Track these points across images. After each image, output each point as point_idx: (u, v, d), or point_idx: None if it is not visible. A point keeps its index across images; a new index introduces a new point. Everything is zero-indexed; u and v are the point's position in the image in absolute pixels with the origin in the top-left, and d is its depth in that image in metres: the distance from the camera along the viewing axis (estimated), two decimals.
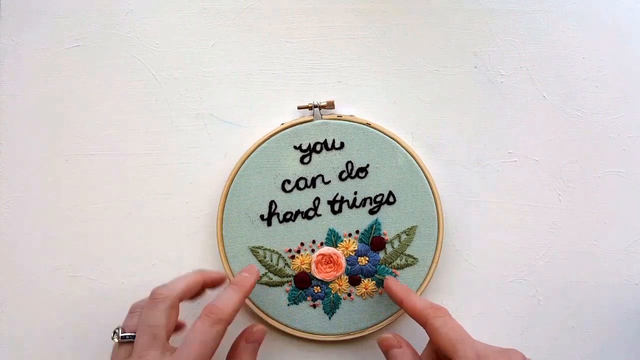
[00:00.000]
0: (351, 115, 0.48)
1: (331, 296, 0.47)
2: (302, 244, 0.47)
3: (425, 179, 0.47)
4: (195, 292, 0.43)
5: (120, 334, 0.39)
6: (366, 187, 0.47)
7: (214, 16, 0.50)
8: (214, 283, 0.44)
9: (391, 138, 0.47)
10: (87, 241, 0.49)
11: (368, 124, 0.47)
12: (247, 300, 0.46)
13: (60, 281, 0.49)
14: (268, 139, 0.47)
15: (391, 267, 0.47)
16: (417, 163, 0.47)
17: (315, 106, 0.48)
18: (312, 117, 0.48)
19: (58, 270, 0.49)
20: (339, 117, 0.48)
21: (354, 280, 0.46)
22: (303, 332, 0.47)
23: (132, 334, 0.39)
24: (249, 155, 0.47)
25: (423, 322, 0.40)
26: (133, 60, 0.50)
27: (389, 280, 0.45)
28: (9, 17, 0.50)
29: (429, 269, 0.47)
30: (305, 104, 0.48)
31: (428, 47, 0.50)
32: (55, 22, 0.50)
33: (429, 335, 0.40)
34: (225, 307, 0.39)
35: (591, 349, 0.48)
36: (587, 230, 0.49)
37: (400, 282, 0.46)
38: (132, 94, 0.50)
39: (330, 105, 0.48)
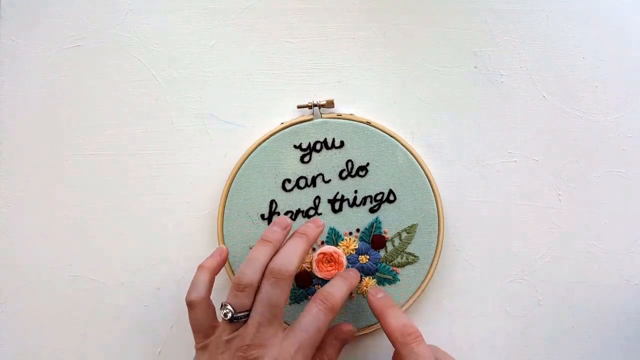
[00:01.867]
0: (351, 114, 0.48)
1: None
2: None
3: (425, 177, 0.47)
4: None
5: (235, 315, 0.39)
6: (366, 186, 0.47)
7: (214, 16, 0.50)
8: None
9: (391, 136, 0.47)
10: (87, 241, 0.49)
11: (368, 123, 0.48)
12: None
13: (60, 281, 0.49)
14: (268, 138, 0.48)
15: (392, 265, 0.47)
16: (417, 161, 0.47)
17: (315, 105, 0.48)
18: (311, 116, 0.48)
19: (58, 270, 0.49)
20: (339, 116, 0.48)
21: None
22: None
23: (247, 312, 0.39)
24: (249, 155, 0.47)
25: (393, 345, 0.40)
26: (133, 60, 0.50)
27: (369, 294, 0.43)
28: (9, 17, 0.50)
29: (430, 267, 0.47)
30: (305, 103, 0.48)
31: (428, 47, 0.50)
32: (55, 22, 0.50)
33: None
34: (340, 296, 0.40)
35: (591, 349, 0.48)
36: (587, 230, 0.49)
37: (399, 282, 0.46)
38: (132, 94, 0.50)
39: (330, 104, 0.48)
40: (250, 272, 0.39)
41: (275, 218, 0.47)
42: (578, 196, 0.49)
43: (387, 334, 0.40)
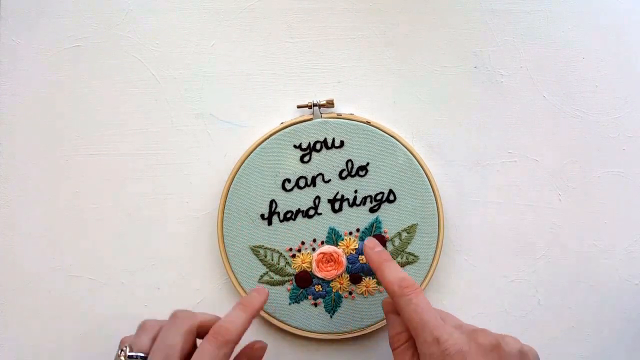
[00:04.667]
0: (351, 114, 0.48)
1: (332, 295, 0.47)
2: (302, 243, 0.47)
3: (425, 176, 0.47)
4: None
5: (129, 353, 0.38)
6: (366, 186, 0.47)
7: (214, 16, 0.50)
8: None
9: (391, 136, 0.47)
10: (87, 241, 0.49)
11: (368, 122, 0.47)
12: None
13: (60, 281, 0.49)
14: (268, 138, 0.47)
15: None
16: (417, 161, 0.47)
17: (315, 105, 0.48)
18: (311, 116, 0.48)
19: (58, 270, 0.49)
20: (339, 116, 0.48)
21: (355, 279, 0.47)
22: (304, 330, 0.47)
23: (142, 355, 0.38)
24: (248, 155, 0.47)
25: (391, 298, 0.39)
26: (133, 60, 0.50)
27: (367, 245, 0.42)
28: (9, 17, 0.50)
29: (430, 267, 0.47)
30: (305, 103, 0.48)
31: (428, 47, 0.50)
32: (55, 22, 0.50)
33: None
34: (233, 328, 0.38)
35: (591, 349, 0.48)
36: (587, 230, 0.49)
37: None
38: (132, 94, 0.50)
39: (330, 104, 0.48)
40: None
41: (275, 218, 0.47)
42: (578, 196, 0.49)
43: (384, 286, 0.39)
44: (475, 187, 0.49)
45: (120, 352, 0.38)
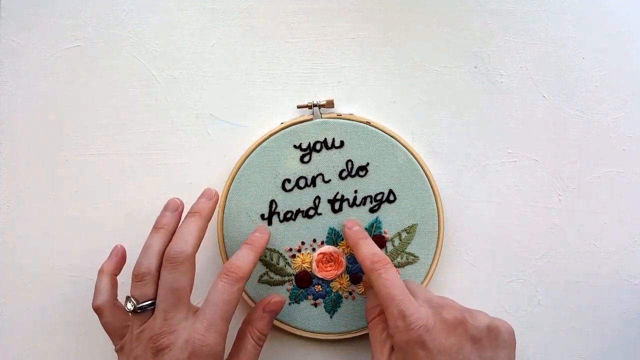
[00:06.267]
0: (350, 114, 0.48)
1: (332, 295, 0.47)
2: (302, 243, 0.47)
3: (425, 176, 0.47)
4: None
5: (138, 305, 0.39)
6: (366, 186, 0.47)
7: (214, 16, 0.50)
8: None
9: (391, 136, 0.47)
10: (87, 241, 0.49)
11: (368, 123, 0.47)
12: (248, 299, 0.47)
13: (60, 281, 0.49)
14: (268, 138, 0.47)
15: None
16: (417, 161, 0.47)
17: (315, 105, 0.48)
18: (311, 116, 0.48)
19: (58, 270, 0.49)
20: (339, 116, 0.48)
21: (355, 279, 0.47)
22: (304, 331, 0.47)
23: (150, 302, 0.39)
24: (248, 155, 0.47)
25: (365, 273, 0.41)
26: (133, 60, 0.50)
27: (346, 225, 0.45)
28: (9, 17, 0.50)
29: (430, 267, 0.47)
30: (305, 103, 0.48)
31: (428, 47, 0.50)
32: (55, 22, 0.50)
33: None
34: (244, 265, 0.40)
35: (591, 349, 0.48)
36: (587, 230, 0.49)
37: (404, 275, 0.46)
38: (132, 94, 0.50)
39: (330, 104, 0.48)
40: (145, 261, 0.39)
41: (275, 218, 0.47)
42: (578, 196, 0.49)
43: (360, 262, 0.42)
44: (475, 187, 0.49)
45: (130, 308, 0.39)
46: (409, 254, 0.47)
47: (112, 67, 0.50)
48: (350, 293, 0.47)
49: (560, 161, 0.49)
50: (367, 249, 0.42)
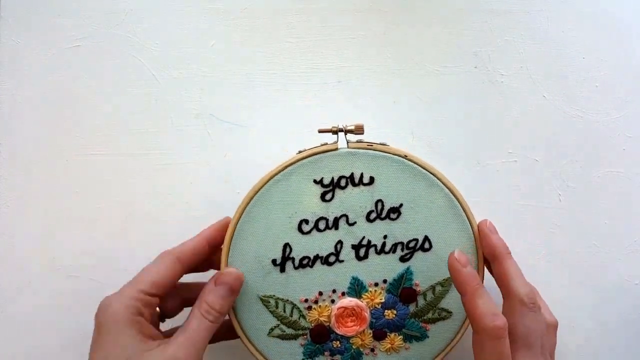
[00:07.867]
0: (383, 144, 0.40)
1: (352, 351, 0.41)
2: (320, 294, 0.40)
3: (467, 222, 0.40)
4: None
5: None
6: (398, 231, 0.40)
7: (214, 16, 0.50)
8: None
9: (430, 173, 0.40)
10: (87, 241, 0.49)
11: (405, 156, 0.40)
12: (256, 353, 0.41)
13: (60, 281, 0.49)
14: (283, 170, 0.40)
15: (421, 321, 0.41)
16: (459, 203, 0.41)
17: (340, 130, 0.40)
18: (336, 145, 0.40)
19: (58, 270, 0.49)
20: (369, 146, 0.40)
21: (379, 335, 0.41)
22: None
23: None
24: (259, 189, 0.40)
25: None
26: (133, 60, 0.50)
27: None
28: (9, 17, 0.50)
29: (463, 323, 0.41)
30: (329, 127, 0.40)
31: (428, 47, 0.50)
32: (55, 22, 0.50)
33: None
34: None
35: (591, 349, 0.48)
36: (587, 230, 0.49)
37: (434, 331, 0.41)
38: (132, 94, 0.50)
39: (359, 129, 0.40)
40: None
41: (289, 264, 0.40)
42: (578, 196, 0.49)
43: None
44: (475, 187, 0.49)
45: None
46: (442, 309, 0.41)
47: (112, 67, 0.50)
48: (372, 350, 0.41)
49: (560, 161, 0.49)
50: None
